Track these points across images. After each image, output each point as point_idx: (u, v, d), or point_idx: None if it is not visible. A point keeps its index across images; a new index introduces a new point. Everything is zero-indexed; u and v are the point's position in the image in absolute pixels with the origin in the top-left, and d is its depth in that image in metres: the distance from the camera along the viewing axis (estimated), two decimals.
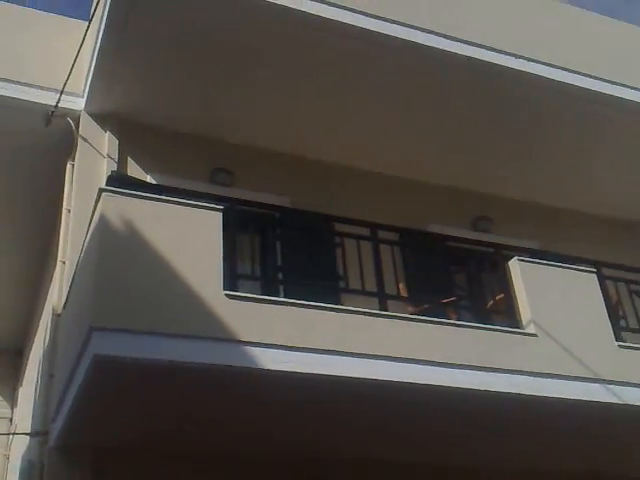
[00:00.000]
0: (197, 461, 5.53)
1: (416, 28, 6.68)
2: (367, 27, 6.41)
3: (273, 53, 6.57)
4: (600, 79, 7.51)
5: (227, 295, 4.63)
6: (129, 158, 6.79)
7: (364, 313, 5.13)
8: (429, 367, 5.14)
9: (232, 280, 4.79)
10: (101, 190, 4.55)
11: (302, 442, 5.78)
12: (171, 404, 4.85)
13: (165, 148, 7.05)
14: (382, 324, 5.15)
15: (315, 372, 4.71)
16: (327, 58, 6.67)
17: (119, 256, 4.41)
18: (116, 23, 6.09)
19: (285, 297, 5.18)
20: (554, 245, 7.90)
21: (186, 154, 7.12)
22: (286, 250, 5.99)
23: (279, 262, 6.25)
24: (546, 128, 7.79)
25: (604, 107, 7.53)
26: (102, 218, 4.45)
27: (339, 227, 5.99)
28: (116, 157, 6.66)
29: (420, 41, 6.66)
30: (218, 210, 4.91)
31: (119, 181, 4.82)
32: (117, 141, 6.78)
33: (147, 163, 6.80)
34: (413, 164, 8.04)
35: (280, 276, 6.11)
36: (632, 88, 7.59)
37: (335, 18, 6.32)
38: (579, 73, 7.27)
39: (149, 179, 6.75)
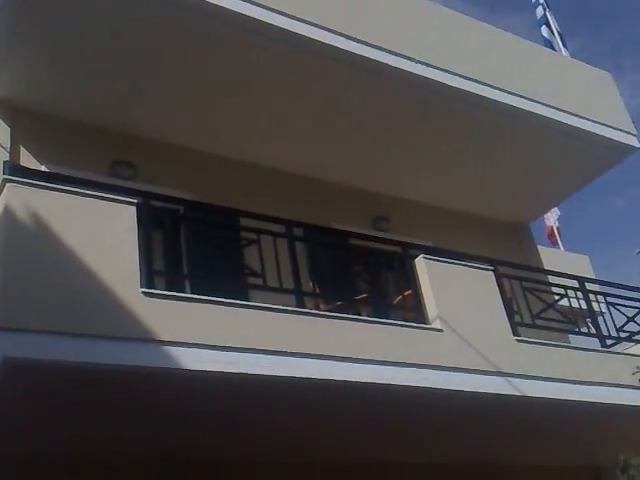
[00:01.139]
0: (111, 466, 5.23)
1: (304, 21, 6.58)
2: (254, 16, 6.26)
3: (174, 47, 6.37)
4: (491, 86, 7.88)
5: (144, 293, 4.42)
6: (22, 147, 6.32)
7: (284, 311, 5.08)
8: (343, 363, 5.18)
9: (149, 277, 4.57)
10: (5, 180, 4.18)
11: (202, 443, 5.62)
12: (85, 408, 4.55)
13: (62, 138, 6.63)
14: (301, 321, 5.13)
15: (233, 371, 4.60)
16: (228, 52, 6.54)
17: (26, 251, 4.07)
18: (7, 10, 5.67)
19: (194, 294, 5.03)
20: (447, 245, 8.20)
21: (84, 145, 6.74)
22: (196, 246, 5.79)
23: (188, 258, 6.04)
24: (435, 131, 8.04)
25: (487, 111, 7.88)
26: (7, 210, 4.09)
27: (247, 223, 5.90)
28: (8, 146, 6.17)
29: (314, 37, 6.58)
30: (132, 204, 4.68)
31: (23, 171, 4.45)
32: (9, 129, 6.29)
33: (42, 153, 6.36)
34: (317, 163, 8.09)
35: (190, 273, 5.90)
36: (530, 99, 7.98)
37: (227, 6, 6.12)
38: (479, 82, 7.60)
39: (43, 170, 6.32)
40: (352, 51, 6.82)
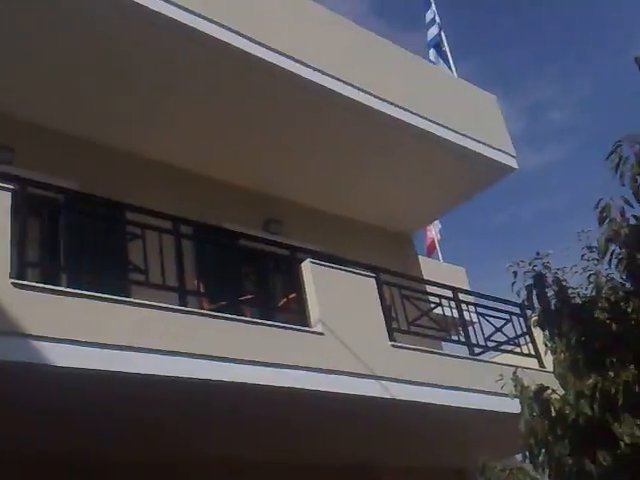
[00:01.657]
0: None
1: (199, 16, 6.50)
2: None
3: (55, 30, 6.12)
4: (376, 97, 8.08)
5: (14, 284, 4.20)
6: None
7: (162, 308, 5.00)
8: (224, 364, 5.17)
9: (21, 268, 4.35)
10: None
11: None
12: None
13: None
14: (180, 320, 5.06)
15: (109, 369, 4.48)
16: (115, 38, 6.36)
17: None
18: None
19: (73, 288, 4.85)
20: (334, 251, 8.39)
21: None
22: (75, 238, 5.57)
23: (66, 250, 5.79)
24: (327, 138, 8.20)
25: (374, 122, 8.11)
26: None
27: (134, 217, 5.76)
28: None
29: (194, 25, 6.42)
30: (7, 190, 4.44)
31: None
32: None
33: None
34: (211, 162, 8.01)
35: (67, 266, 5.67)
36: (390, 103, 8.21)
37: None
38: (364, 91, 7.78)
39: None
40: (252, 53, 6.84)
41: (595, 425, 3.27)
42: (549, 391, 3.54)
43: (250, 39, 6.85)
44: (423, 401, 6.38)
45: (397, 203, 9.69)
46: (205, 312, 5.41)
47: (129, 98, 7.09)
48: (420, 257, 10.92)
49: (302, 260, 6.35)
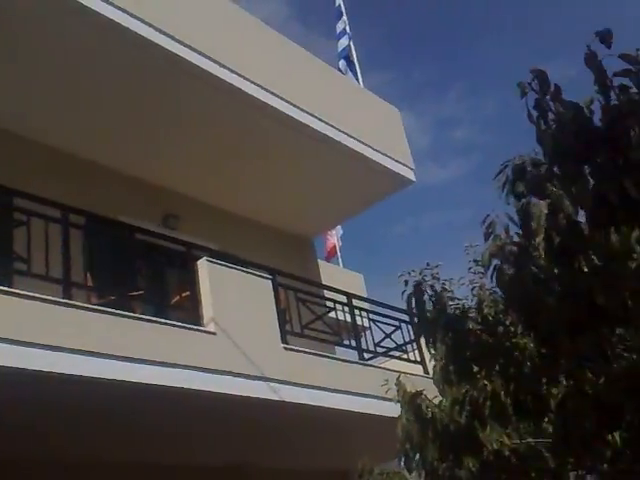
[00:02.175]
0: None
1: None
2: None
3: None
4: (281, 98, 8.11)
5: None
6: None
7: (43, 300, 4.80)
8: (109, 360, 5.04)
9: None
10: None
11: None
12: None
13: None
14: (62, 313, 4.88)
15: None
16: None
17: None
18: None
19: None
20: (232, 250, 8.33)
21: None
22: None
23: None
24: (227, 137, 8.12)
25: (278, 125, 8.15)
26: None
27: (23, 204, 5.51)
28: None
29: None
30: None
31: None
32: None
33: None
34: (111, 153, 7.79)
35: None
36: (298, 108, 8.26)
37: None
38: (269, 92, 7.78)
39: None
40: (153, 40, 6.66)
41: (463, 432, 3.42)
42: (423, 396, 3.68)
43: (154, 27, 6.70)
44: (311, 404, 6.45)
45: (298, 206, 9.77)
46: (89, 306, 5.24)
47: (19, 80, 6.77)
48: (320, 262, 11.05)
49: (198, 257, 6.28)
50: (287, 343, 6.70)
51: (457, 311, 3.32)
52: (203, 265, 6.20)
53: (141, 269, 6.46)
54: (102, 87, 7.09)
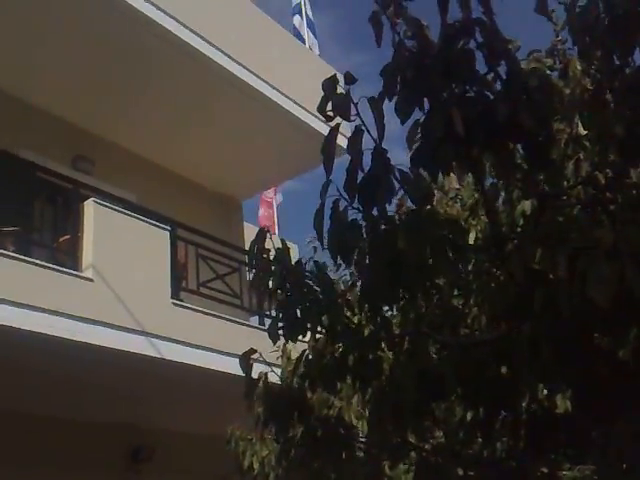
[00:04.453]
0: None
1: None
2: None
3: None
4: (220, 51, 7.73)
5: None
6: None
7: None
8: None
9: None
10: None
11: None
12: None
13: None
14: None
15: None
16: None
17: None
18: None
19: None
20: (149, 201, 7.92)
21: None
22: None
23: None
24: (164, 86, 7.75)
25: (219, 80, 7.79)
26: None
27: None
28: None
29: None
30: None
31: None
32: None
33: None
34: (22, 80, 7.24)
35: None
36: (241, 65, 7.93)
37: None
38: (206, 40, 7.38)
39: None
40: None
41: (294, 394, 3.13)
42: (257, 355, 3.37)
43: None
44: (197, 364, 6.13)
45: (228, 165, 9.35)
46: None
47: None
48: (252, 227, 10.66)
49: (87, 198, 5.86)
50: (179, 299, 6.35)
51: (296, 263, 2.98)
52: (89, 206, 5.78)
53: (21, 205, 6.00)
54: (39, 23, 6.59)
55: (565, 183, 2.32)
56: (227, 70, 7.65)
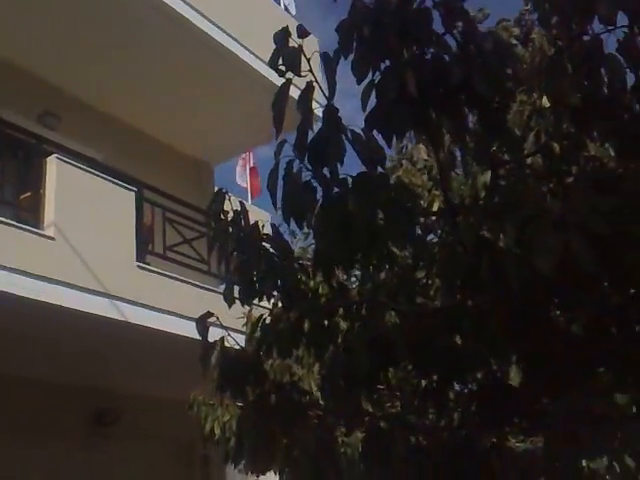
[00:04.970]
0: None
1: None
2: None
3: None
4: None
5: None
6: None
7: None
8: None
9: None
10: None
11: None
12: None
13: None
14: None
15: None
16: None
17: None
18: None
19: None
20: (117, 161, 7.76)
21: None
22: None
23: None
24: (139, 45, 7.57)
25: (192, 39, 7.61)
26: None
27: None
28: None
29: None
30: None
31: None
32: None
33: None
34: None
35: None
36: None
37: None
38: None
39: None
40: None
41: (250, 360, 3.12)
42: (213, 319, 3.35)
43: None
44: (161, 328, 6.09)
45: (201, 129, 9.21)
46: None
47: None
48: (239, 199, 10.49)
49: (50, 154, 5.72)
50: (145, 263, 6.27)
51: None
52: (52, 163, 5.65)
53: None
54: None
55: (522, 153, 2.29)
56: (199, 28, 7.49)
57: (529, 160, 2.55)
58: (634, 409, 3.22)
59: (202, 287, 6.60)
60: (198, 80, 8.28)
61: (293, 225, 2.20)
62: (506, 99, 1.93)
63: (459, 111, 1.96)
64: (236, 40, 7.94)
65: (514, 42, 2.58)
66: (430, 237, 2.86)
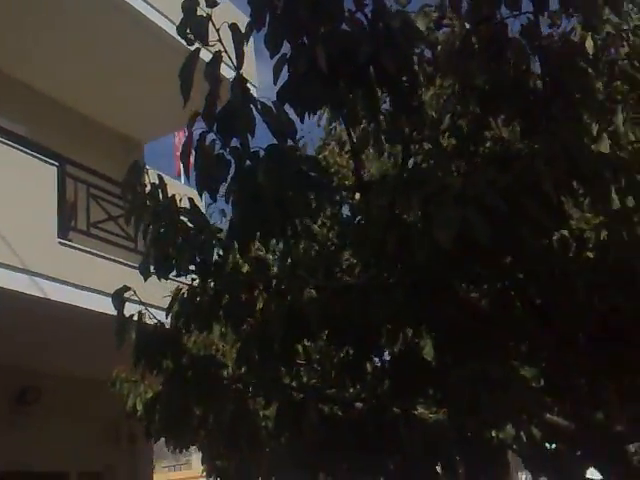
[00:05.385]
0: None
1: None
2: None
3: None
4: None
5: None
6: None
7: None
8: None
9: None
10: None
11: None
12: None
13: None
14: None
15: None
16: None
17: None
18: None
19: None
20: (41, 135, 7.50)
21: None
22: None
23: None
24: (64, 13, 7.30)
25: (116, 11, 7.40)
26: None
27: None
28: None
29: None
30: None
31: None
32: None
33: None
34: None
35: None
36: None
37: None
38: None
39: None
40: None
41: (168, 334, 3.11)
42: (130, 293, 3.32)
43: None
44: (84, 306, 5.96)
45: (130, 104, 8.97)
46: None
47: None
48: (157, 173, 10.30)
49: None
50: (67, 239, 6.11)
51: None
52: None
53: None
54: None
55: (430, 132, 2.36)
56: (127, 2, 7.30)
57: (445, 141, 2.64)
58: (542, 381, 3.39)
59: (127, 264, 6.48)
60: (123, 54, 8.07)
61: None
62: (416, 78, 1.98)
63: (371, 89, 2.00)
64: (164, 15, 7.76)
65: (431, 27, 2.64)
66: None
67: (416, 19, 2.68)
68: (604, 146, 2.16)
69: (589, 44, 2.20)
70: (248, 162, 2.03)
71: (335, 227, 2.83)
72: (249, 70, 7.27)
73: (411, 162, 2.52)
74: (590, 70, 2.23)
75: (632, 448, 3.17)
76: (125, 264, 6.48)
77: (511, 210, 1.74)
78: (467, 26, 2.40)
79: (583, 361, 2.51)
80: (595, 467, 4.07)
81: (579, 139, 1.82)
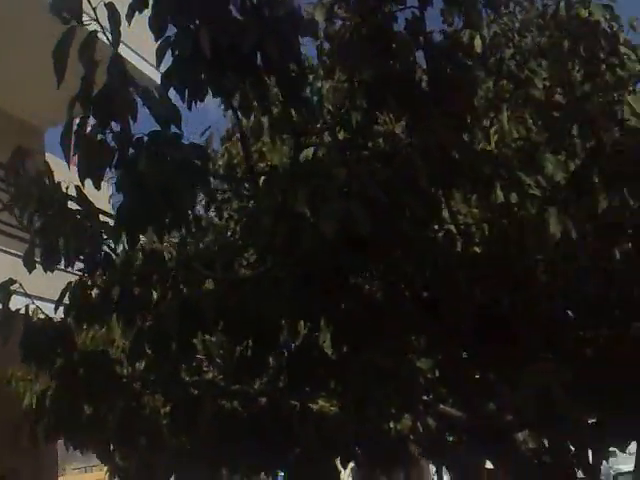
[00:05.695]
0: None
1: None
2: None
3: None
4: None
5: None
6: None
7: None
8: None
9: None
10: None
11: None
12: None
13: None
14: None
15: None
16: None
17: None
18: None
19: None
20: None
21: None
22: None
23: None
24: None
25: None
26: None
27: None
28: None
29: None
30: None
31: None
32: None
33: None
34: None
35: None
36: None
37: None
38: None
39: None
40: None
41: (58, 329, 2.97)
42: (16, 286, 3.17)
43: None
44: None
45: (28, 87, 8.53)
46: None
47: None
48: (58, 160, 9.89)
49: None
50: None
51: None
52: None
53: None
54: None
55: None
56: None
57: (340, 134, 2.64)
58: (437, 373, 3.46)
59: (19, 255, 6.18)
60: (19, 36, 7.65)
61: None
62: (303, 69, 1.96)
63: (259, 77, 1.96)
64: None
65: (329, 18, 2.63)
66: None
67: (314, 10, 2.66)
68: (489, 143, 2.21)
69: (477, 43, 2.25)
70: (132, 150, 1.95)
71: (244, 219, 2.77)
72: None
73: (311, 154, 2.51)
74: (478, 69, 2.27)
75: (521, 436, 3.27)
76: (16, 255, 6.17)
77: (391, 203, 1.75)
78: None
79: (470, 352, 2.57)
80: (487, 458, 4.20)
81: (457, 135, 1.85)
